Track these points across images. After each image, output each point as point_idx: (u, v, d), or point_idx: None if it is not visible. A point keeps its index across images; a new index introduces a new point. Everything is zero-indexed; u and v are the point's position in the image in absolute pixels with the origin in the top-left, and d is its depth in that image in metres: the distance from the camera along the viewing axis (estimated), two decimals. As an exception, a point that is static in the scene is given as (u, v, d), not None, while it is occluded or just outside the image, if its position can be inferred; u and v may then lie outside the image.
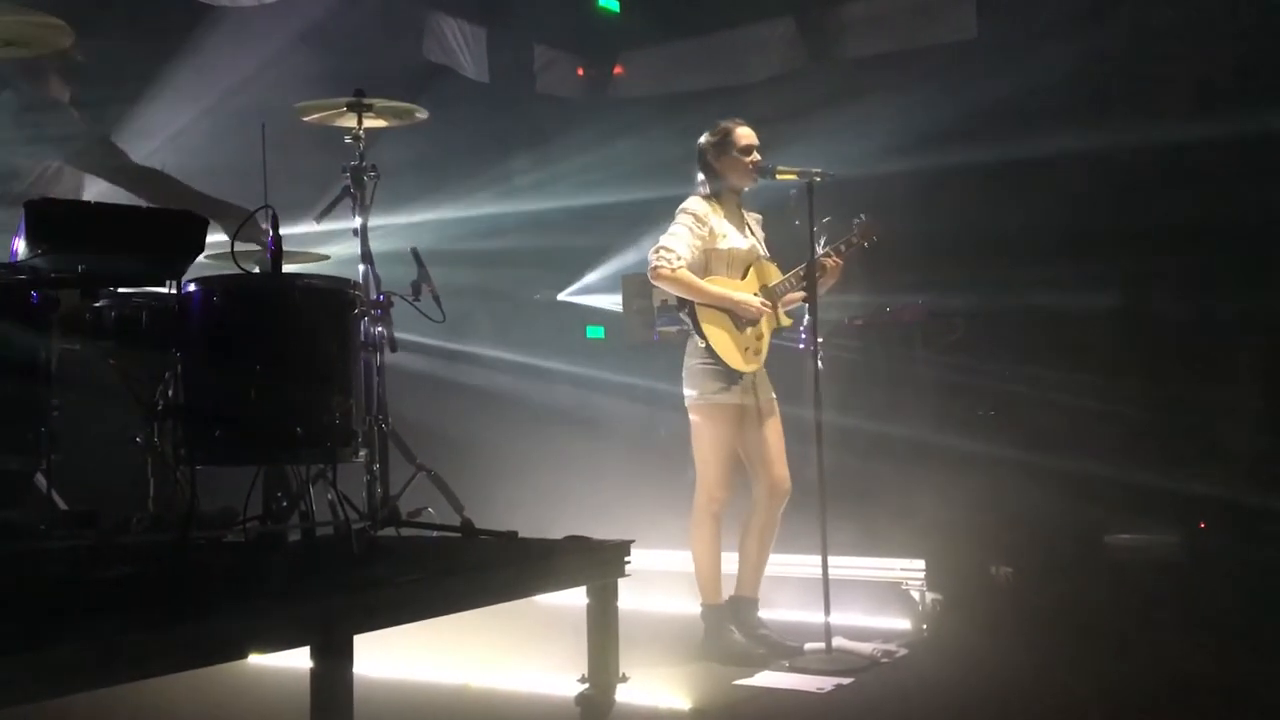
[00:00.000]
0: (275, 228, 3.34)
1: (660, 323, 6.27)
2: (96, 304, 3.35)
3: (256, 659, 2.94)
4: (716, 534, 4.40)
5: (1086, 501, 6.08)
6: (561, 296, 8.07)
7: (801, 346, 4.90)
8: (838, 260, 4.51)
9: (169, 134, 5.13)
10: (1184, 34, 6.54)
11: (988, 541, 5.40)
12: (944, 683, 3.96)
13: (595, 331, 7.99)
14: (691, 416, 4.39)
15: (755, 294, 4.41)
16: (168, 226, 3.24)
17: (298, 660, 2.65)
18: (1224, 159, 6.34)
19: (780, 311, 4.49)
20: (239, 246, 3.33)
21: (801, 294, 4.47)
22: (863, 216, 4.60)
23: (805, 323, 4.52)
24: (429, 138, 6.21)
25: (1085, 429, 6.43)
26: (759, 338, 4.39)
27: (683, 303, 4.35)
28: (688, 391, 4.38)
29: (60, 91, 4.21)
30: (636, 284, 6.70)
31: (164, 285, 3.34)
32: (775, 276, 4.50)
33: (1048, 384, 6.47)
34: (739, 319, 4.36)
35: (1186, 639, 4.41)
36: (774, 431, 4.45)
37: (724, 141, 4.46)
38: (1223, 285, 6.52)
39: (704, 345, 4.31)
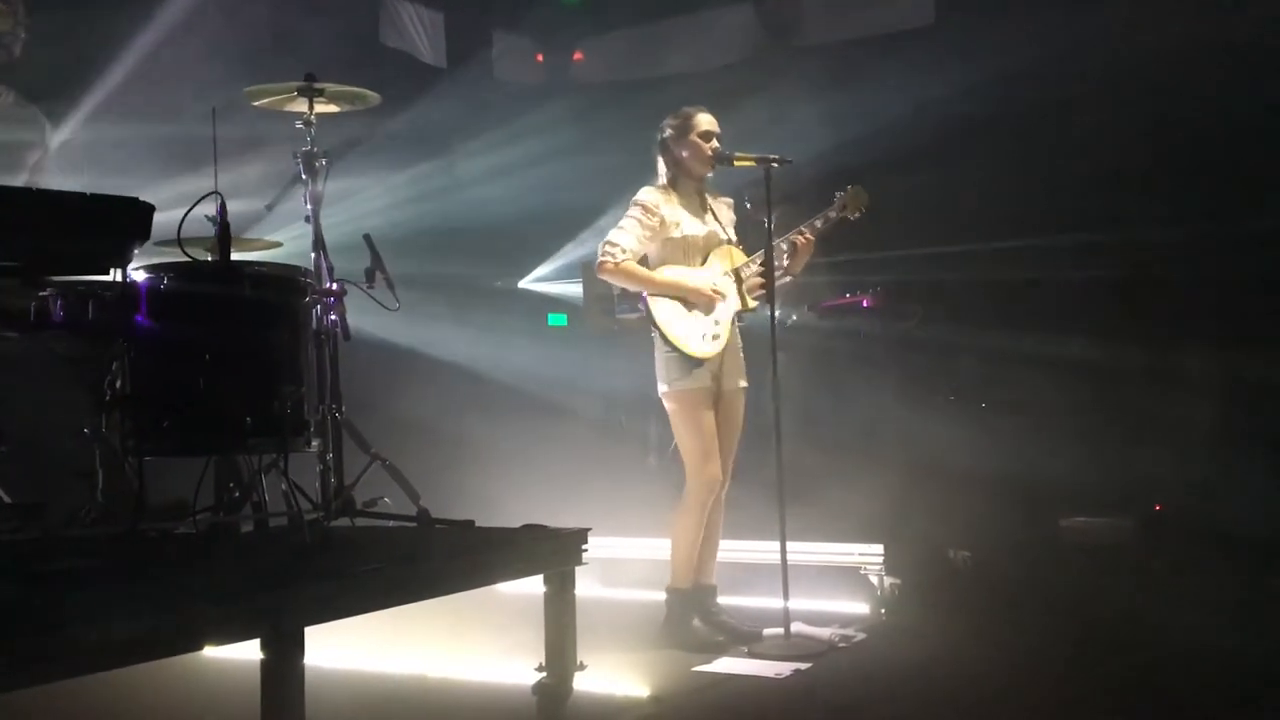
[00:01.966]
0: (223, 214, 3.29)
1: (620, 310, 6.25)
2: (41, 293, 3.29)
3: (210, 651, 2.90)
4: (701, 522, 4.34)
5: (1043, 485, 6.14)
6: (523, 284, 8.03)
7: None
8: (809, 238, 4.47)
9: (111, 122, 5.03)
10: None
11: (946, 526, 5.44)
12: (902, 667, 3.98)
13: (557, 319, 7.96)
14: (666, 406, 4.37)
15: (715, 279, 4.38)
16: (113, 212, 3.18)
17: (251, 652, 2.62)
18: (1184, 121, 6.39)
19: (745, 295, 4.44)
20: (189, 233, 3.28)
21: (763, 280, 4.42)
22: (848, 188, 4.50)
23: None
24: (386, 124, 6.17)
25: (1043, 412, 6.49)
26: (717, 322, 4.37)
27: (635, 292, 4.33)
28: (659, 382, 4.36)
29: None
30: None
31: (110, 273, 3.29)
32: (739, 260, 4.48)
33: (1006, 368, 6.52)
34: (693, 305, 4.34)
35: (1141, 620, 4.47)
36: (734, 422, 4.43)
37: (684, 126, 4.44)
38: (1181, 264, 6.58)
39: (659, 334, 4.29)
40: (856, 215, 4.50)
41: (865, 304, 6.69)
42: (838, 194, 4.51)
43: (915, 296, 6.87)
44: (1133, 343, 6.53)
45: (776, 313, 4.40)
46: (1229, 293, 6.51)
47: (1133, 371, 6.52)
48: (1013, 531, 5.58)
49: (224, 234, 3.29)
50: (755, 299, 4.43)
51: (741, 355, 4.46)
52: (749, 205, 4.57)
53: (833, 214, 4.49)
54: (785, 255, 4.44)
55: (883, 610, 4.71)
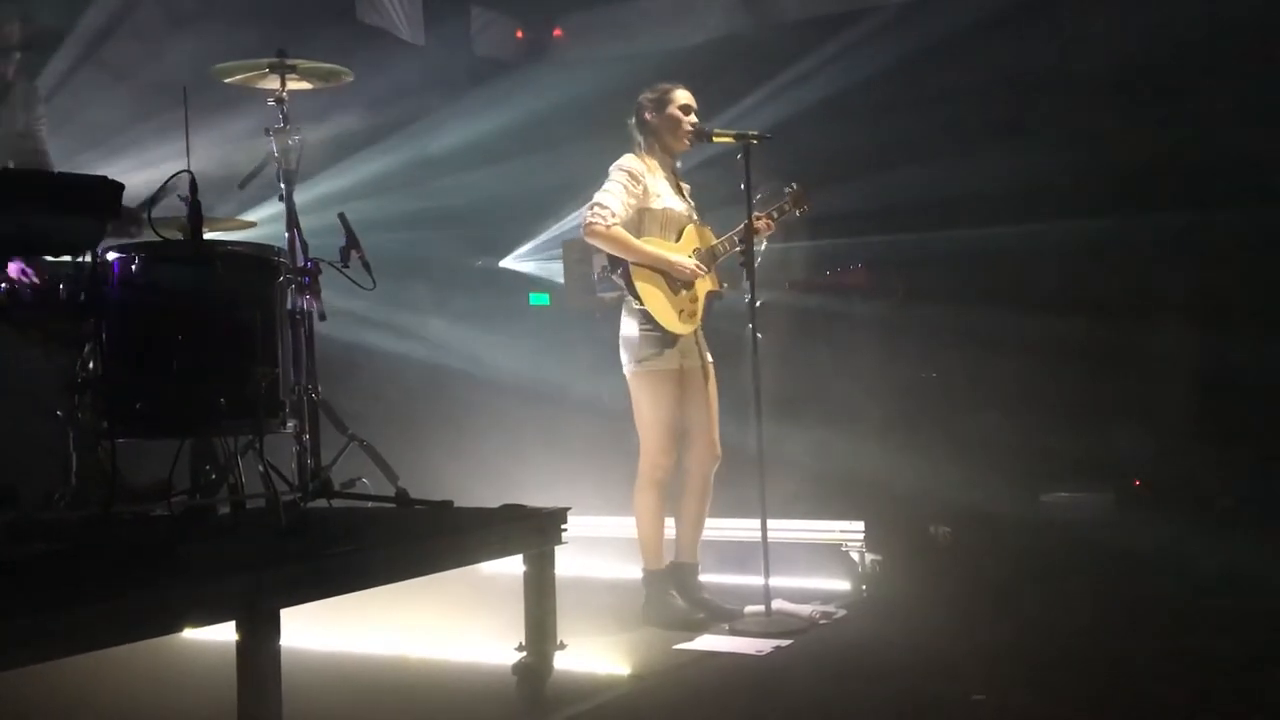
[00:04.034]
0: (194, 193, 3.24)
1: (601, 288, 6.22)
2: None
3: (187, 633, 2.88)
4: (661, 500, 4.39)
5: (1023, 460, 6.17)
6: (504, 263, 7.99)
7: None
8: (770, 224, 4.52)
9: (85, 99, 4.97)
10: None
11: (926, 502, 5.45)
12: (883, 643, 3.99)
13: (539, 298, 7.93)
14: (630, 385, 4.36)
15: (690, 256, 4.37)
16: (82, 192, 3.13)
17: (228, 633, 2.60)
18: (1172, 114, 6.39)
19: (717, 275, 4.46)
20: (159, 213, 3.23)
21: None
22: (794, 185, 4.61)
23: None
24: (363, 101, 6.11)
25: (1023, 389, 6.50)
26: (694, 300, 4.36)
27: (616, 263, 4.30)
28: (625, 359, 4.34)
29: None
30: (578, 249, 6.64)
31: (81, 254, 3.24)
32: (710, 240, 4.48)
33: (987, 345, 6.52)
34: (673, 280, 4.32)
35: (1121, 595, 4.49)
36: (710, 396, 4.43)
37: (663, 99, 4.42)
38: (1160, 246, 6.60)
39: (639, 306, 4.27)
40: (800, 213, 4.61)
41: (848, 282, 6.69)
42: (785, 190, 4.57)
43: (897, 274, 6.87)
44: (1111, 319, 6.55)
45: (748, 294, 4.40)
46: (1205, 269, 6.53)
47: (1111, 348, 6.53)
48: (993, 507, 5.60)
49: (195, 213, 3.25)
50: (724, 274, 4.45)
51: (702, 332, 4.45)
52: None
53: (787, 205, 4.58)
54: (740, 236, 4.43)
55: (864, 587, 4.72)
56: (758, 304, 4.33)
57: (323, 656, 3.83)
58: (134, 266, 3.20)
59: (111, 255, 3.23)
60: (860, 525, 4.84)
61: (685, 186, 4.59)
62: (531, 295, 7.90)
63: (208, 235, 3.41)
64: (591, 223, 4.23)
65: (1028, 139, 6.67)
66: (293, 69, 3.86)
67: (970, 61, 6.67)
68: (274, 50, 3.84)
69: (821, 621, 4.23)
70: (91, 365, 3.26)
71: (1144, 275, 6.69)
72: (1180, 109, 6.35)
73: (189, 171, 3.28)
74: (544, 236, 7.75)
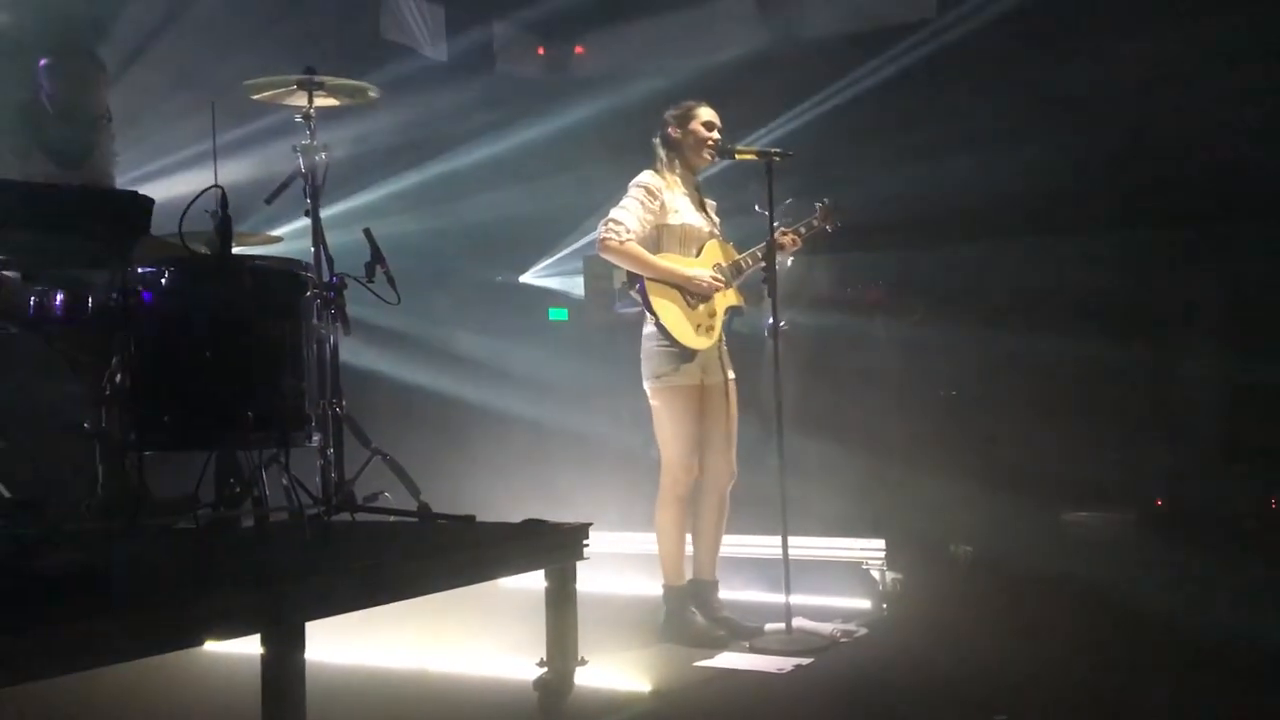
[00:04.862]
0: (224, 208, 3.27)
1: (620, 305, 6.24)
2: (40, 286, 3.28)
3: (211, 646, 2.90)
4: (682, 515, 4.39)
5: (1045, 479, 6.14)
6: (524, 279, 8.02)
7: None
8: (796, 239, 4.53)
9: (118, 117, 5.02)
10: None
11: (947, 520, 5.43)
12: (904, 662, 3.97)
13: (558, 314, 7.95)
14: (651, 400, 4.37)
15: (711, 271, 4.38)
16: (113, 207, 3.18)
17: (252, 646, 2.62)
18: (1191, 122, 6.37)
19: (738, 291, 4.46)
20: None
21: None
22: (825, 200, 4.60)
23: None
24: (387, 117, 6.15)
25: (1043, 407, 6.47)
26: (711, 315, 4.36)
27: (633, 279, 4.32)
28: (645, 374, 4.35)
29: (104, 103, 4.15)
30: (599, 265, 6.66)
31: (110, 267, 3.27)
32: (732, 255, 4.48)
33: (1007, 364, 6.50)
34: (690, 295, 4.33)
35: (1140, 615, 4.46)
36: (731, 413, 4.42)
37: (686, 116, 4.44)
38: (1188, 263, 6.57)
39: (655, 322, 4.28)
40: (832, 229, 4.60)
41: (869, 300, 6.69)
42: (816, 204, 4.57)
43: (917, 294, 6.87)
44: (1135, 339, 6.52)
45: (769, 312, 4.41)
46: (1233, 290, 6.49)
47: (1135, 365, 6.50)
48: (1014, 526, 5.57)
49: (225, 227, 3.28)
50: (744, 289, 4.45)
51: (725, 348, 4.45)
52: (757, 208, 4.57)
53: (815, 222, 4.57)
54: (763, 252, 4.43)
55: (884, 605, 4.70)
56: (781, 325, 4.33)
57: (344, 670, 3.84)
58: (164, 280, 3.22)
59: (141, 269, 3.26)
60: (881, 544, 4.82)
61: (710, 203, 4.60)
62: (551, 310, 7.93)
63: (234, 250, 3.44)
64: (605, 238, 4.25)
65: (1049, 152, 6.65)
66: (320, 85, 3.90)
67: (994, 75, 6.67)
68: (301, 67, 3.89)
69: (842, 640, 4.21)
70: (119, 378, 3.29)
71: (1169, 291, 6.65)
72: (1201, 123, 6.32)
73: (219, 187, 3.31)
74: (564, 251, 7.78)
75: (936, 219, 6.72)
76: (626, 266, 4.31)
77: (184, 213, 3.29)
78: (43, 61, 3.97)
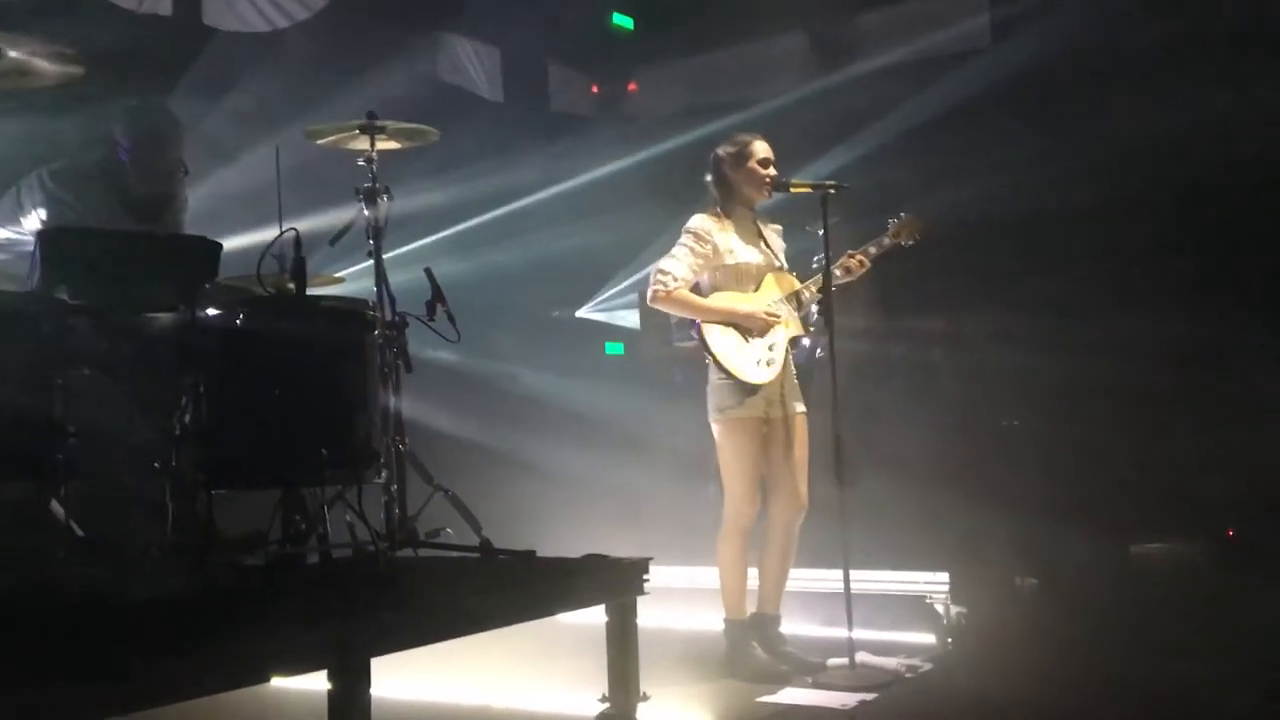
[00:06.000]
0: (299, 249, 3.35)
1: (677, 338, 6.25)
2: (114, 328, 3.37)
3: (277, 681, 2.93)
4: (743, 549, 4.37)
5: (1112, 510, 6.02)
6: (580, 313, 8.07)
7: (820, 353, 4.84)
8: (864, 260, 4.49)
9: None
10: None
11: (1012, 553, 5.35)
12: (969, 697, 3.91)
13: (614, 348, 7.99)
14: (714, 433, 4.37)
15: (771, 304, 4.38)
16: (182, 252, 3.26)
17: (318, 682, 2.65)
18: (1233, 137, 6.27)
19: (801, 321, 4.45)
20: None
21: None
22: (901, 215, 4.54)
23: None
24: (446, 158, 6.25)
25: (1111, 436, 6.36)
26: (772, 348, 4.36)
27: (687, 321, 4.35)
28: (710, 408, 4.36)
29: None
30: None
31: (180, 310, 3.36)
32: (792, 286, 4.48)
33: (1070, 392, 6.41)
34: (746, 331, 4.34)
35: (1212, 648, 4.35)
36: (798, 446, 4.40)
37: (741, 153, 4.45)
38: (1253, 289, 6.44)
39: (712, 362, 4.29)
40: (910, 242, 4.53)
41: (929, 331, 6.64)
42: (891, 220, 4.53)
43: (978, 320, 6.79)
44: (1202, 366, 6.39)
45: (808, 342, 4.39)
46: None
47: (1204, 392, 6.37)
48: (1081, 558, 5.47)
49: (299, 269, 3.35)
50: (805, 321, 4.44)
51: (796, 380, 4.44)
52: (807, 229, 4.56)
53: (886, 240, 4.52)
54: (839, 279, 4.43)
55: (949, 639, 4.64)
56: (818, 352, 4.31)
57: (407, 705, 3.86)
58: (238, 320, 3.30)
59: (213, 310, 3.33)
60: (945, 577, 4.77)
61: (775, 227, 4.60)
62: (607, 344, 7.97)
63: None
64: (654, 290, 4.32)
65: (1113, 181, 6.58)
66: (382, 129, 3.98)
67: (1050, 102, 6.62)
68: (363, 113, 3.98)
69: (906, 675, 4.16)
70: (188, 419, 3.36)
71: (1236, 317, 6.52)
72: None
73: (294, 229, 3.39)
74: (619, 286, 7.82)
75: (995, 248, 6.66)
76: (678, 313, 4.35)
77: (263, 255, 3.37)
78: (119, 120, 4.08)
